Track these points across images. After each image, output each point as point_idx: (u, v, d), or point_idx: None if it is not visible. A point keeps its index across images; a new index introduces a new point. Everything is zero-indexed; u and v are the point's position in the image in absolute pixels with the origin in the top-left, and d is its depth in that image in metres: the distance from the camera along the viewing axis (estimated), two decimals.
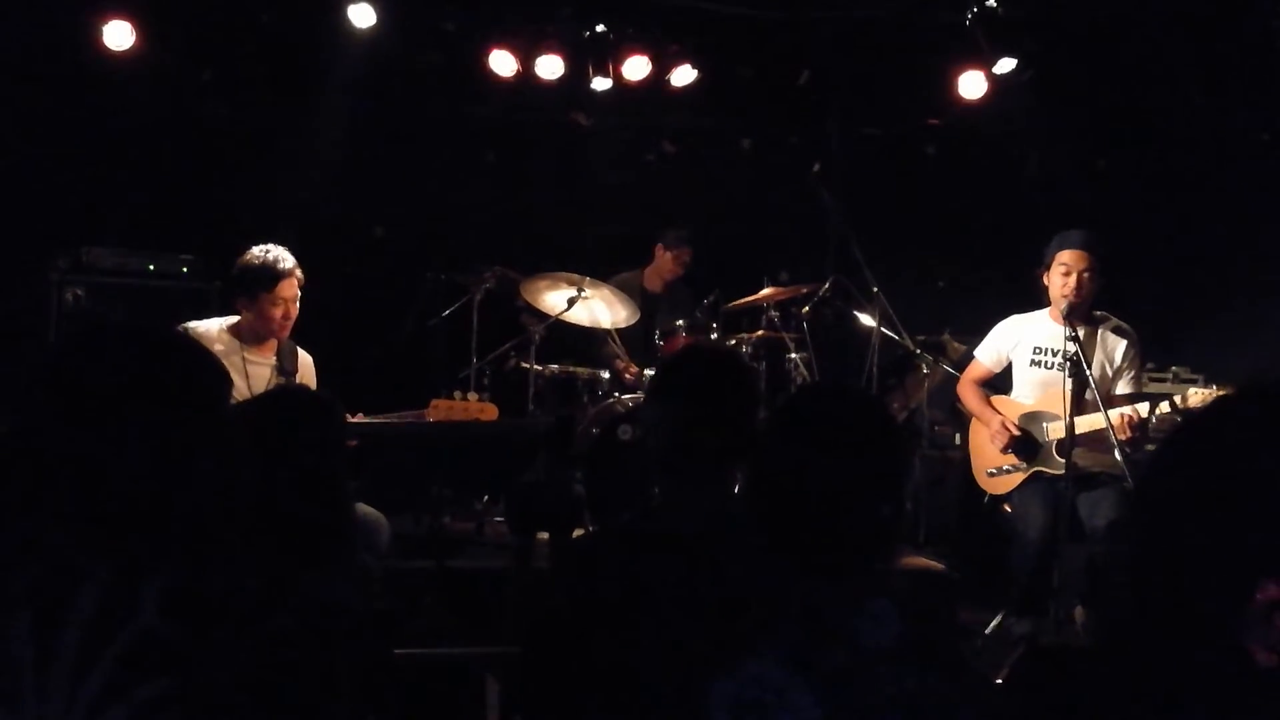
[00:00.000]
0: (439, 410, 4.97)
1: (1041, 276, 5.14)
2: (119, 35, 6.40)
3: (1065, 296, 4.94)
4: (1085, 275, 4.97)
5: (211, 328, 4.71)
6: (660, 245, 7.01)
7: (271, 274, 4.62)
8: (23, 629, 1.46)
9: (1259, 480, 1.30)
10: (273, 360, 4.77)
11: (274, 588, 1.92)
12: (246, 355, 4.67)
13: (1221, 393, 4.73)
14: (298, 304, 4.71)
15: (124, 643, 1.46)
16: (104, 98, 6.83)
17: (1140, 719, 1.31)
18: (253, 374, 4.67)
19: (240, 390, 4.47)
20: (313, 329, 5.16)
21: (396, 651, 2.67)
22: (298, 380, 4.80)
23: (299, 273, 4.70)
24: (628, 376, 6.40)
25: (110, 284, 6.25)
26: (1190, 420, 1.46)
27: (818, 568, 1.81)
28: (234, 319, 4.75)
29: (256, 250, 4.68)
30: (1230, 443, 1.37)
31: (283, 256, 4.66)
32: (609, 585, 2.43)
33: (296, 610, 1.80)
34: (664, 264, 7.00)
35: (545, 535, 2.83)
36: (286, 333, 4.74)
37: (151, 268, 6.40)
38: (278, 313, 4.65)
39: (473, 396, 5.14)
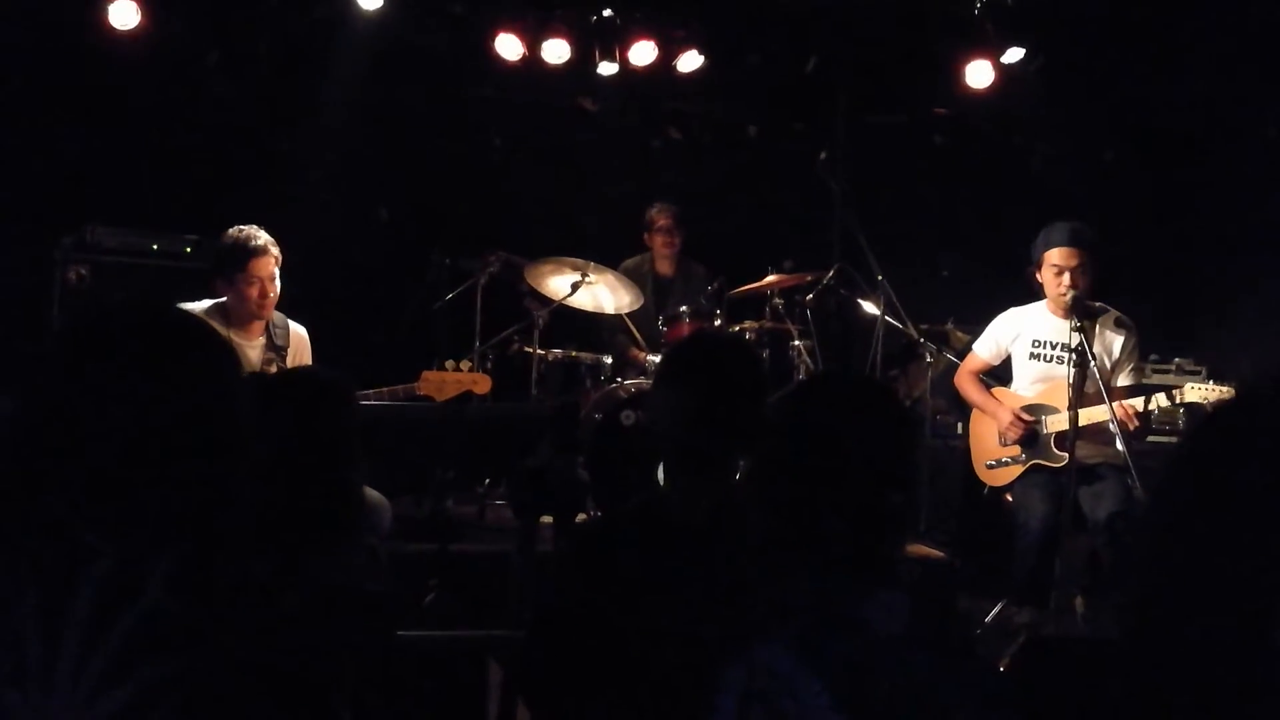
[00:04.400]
0: (429, 382, 4.97)
1: (1032, 275, 5.13)
2: (124, 14, 6.37)
3: (1062, 295, 4.93)
4: (1077, 272, 4.94)
5: (197, 310, 4.64)
6: (646, 235, 7.00)
7: (244, 253, 4.61)
8: (29, 608, 1.46)
9: None
10: (261, 340, 4.75)
11: (281, 569, 1.92)
12: (234, 337, 4.62)
13: (1223, 391, 4.75)
14: (276, 283, 4.67)
15: (130, 622, 1.46)
16: (109, 77, 6.82)
17: (1150, 712, 1.30)
18: (242, 356, 4.64)
19: None
20: (317, 311, 5.16)
21: (399, 634, 2.67)
22: (290, 355, 4.79)
23: (275, 251, 4.67)
24: (643, 358, 6.39)
25: (114, 263, 6.23)
26: (1219, 411, 1.43)
27: (826, 556, 1.81)
28: (220, 300, 4.73)
29: (232, 230, 4.69)
30: (1263, 436, 1.33)
31: (255, 235, 4.65)
32: (613, 571, 2.44)
33: (303, 591, 1.80)
34: (656, 246, 6.98)
35: (548, 520, 2.83)
36: (267, 311, 4.72)
37: (155, 247, 6.38)
38: (253, 292, 4.63)
39: (465, 365, 5.12)
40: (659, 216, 6.90)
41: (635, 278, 6.51)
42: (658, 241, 6.92)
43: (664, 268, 6.97)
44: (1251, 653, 1.24)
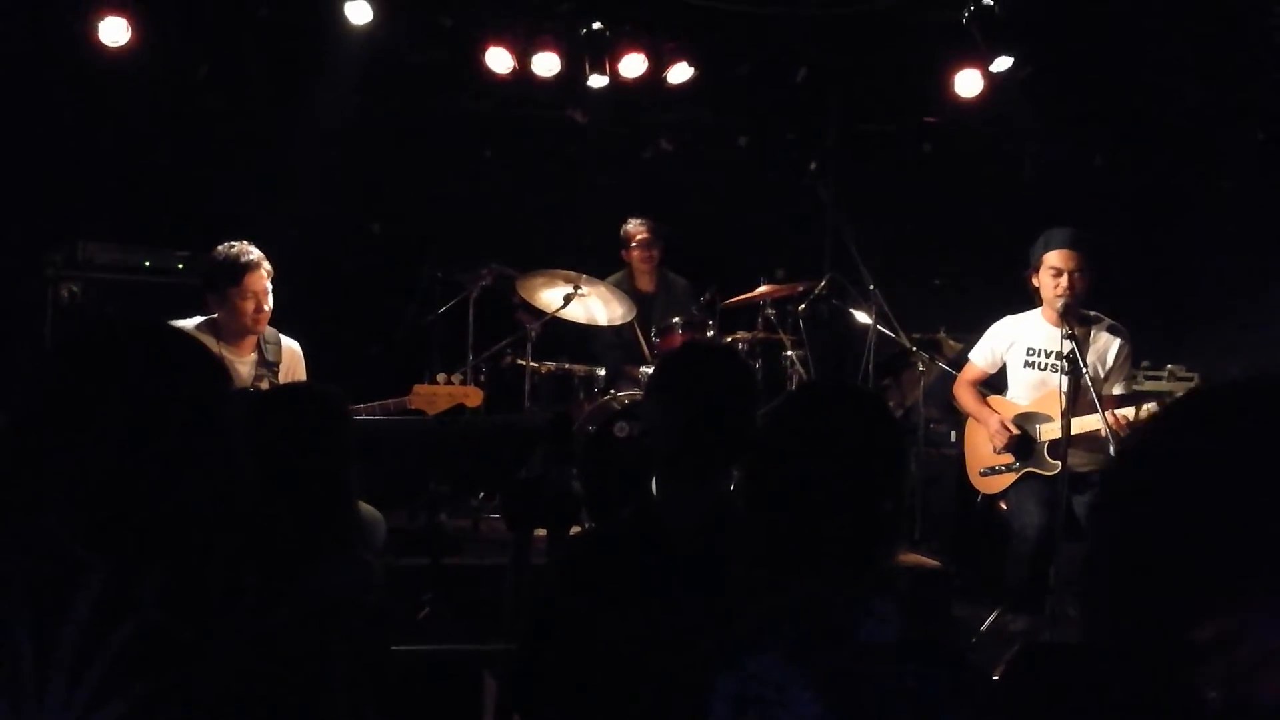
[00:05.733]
0: (421, 396, 4.97)
1: (1029, 279, 5.14)
2: (115, 31, 6.38)
3: (1060, 297, 4.94)
4: (1076, 275, 4.96)
5: (188, 327, 4.62)
6: (623, 251, 6.96)
7: (237, 268, 4.61)
8: (23, 624, 1.46)
9: (1201, 509, 1.16)
10: (252, 356, 4.75)
11: (275, 583, 1.91)
12: (225, 354, 4.62)
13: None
14: (270, 296, 4.68)
15: (123, 638, 1.46)
16: (100, 93, 6.82)
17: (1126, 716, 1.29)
18: (234, 372, 4.63)
19: None
20: (309, 325, 5.16)
21: (393, 648, 2.66)
22: (283, 370, 4.79)
23: (267, 265, 4.68)
24: (637, 372, 6.38)
25: (106, 280, 6.23)
26: (1160, 416, 1.32)
27: (819, 565, 1.81)
28: (210, 317, 4.72)
29: (222, 247, 4.68)
30: (1173, 465, 1.21)
31: (247, 250, 4.65)
32: (607, 582, 2.43)
33: (297, 605, 1.80)
34: (635, 261, 6.94)
35: (542, 532, 2.83)
36: (262, 326, 4.72)
37: (147, 264, 6.39)
38: (249, 306, 4.63)
39: (456, 379, 5.12)
40: (636, 231, 6.87)
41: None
42: (635, 257, 6.88)
43: (644, 284, 6.92)
44: (1170, 690, 1.19)
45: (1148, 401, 4.83)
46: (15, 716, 1.44)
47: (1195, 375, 6.41)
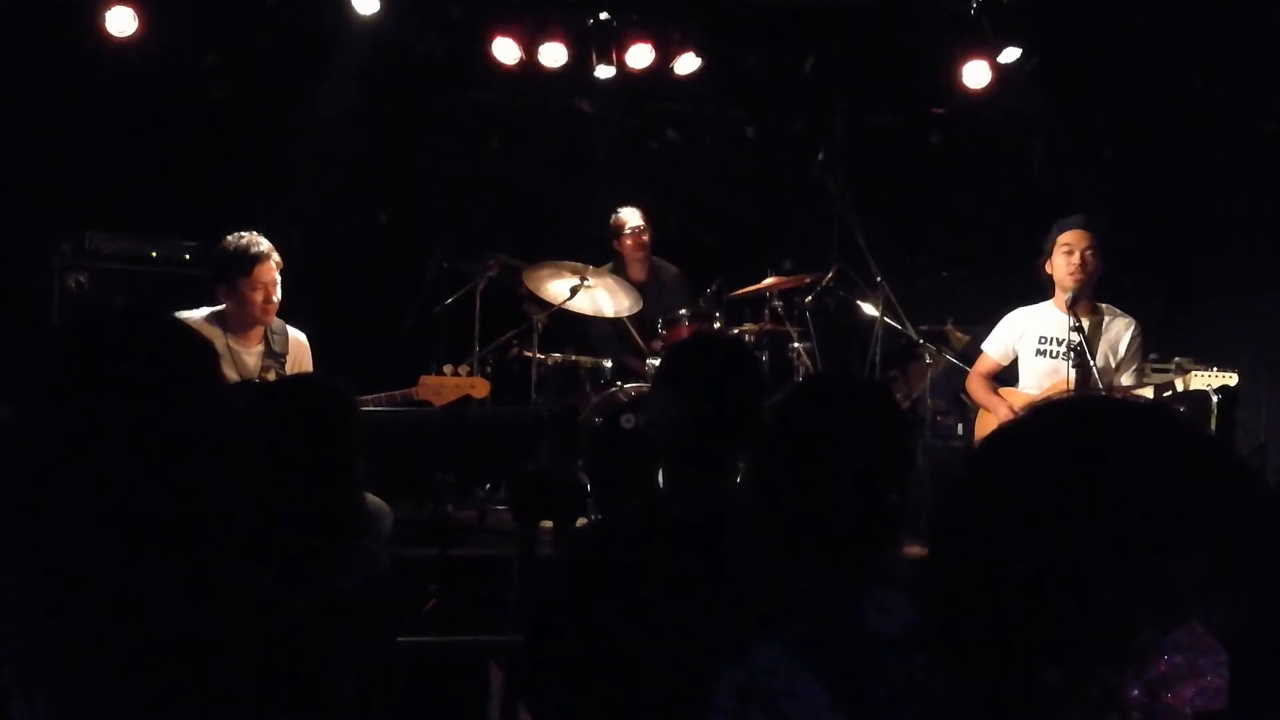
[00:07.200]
0: (428, 387, 4.97)
1: (1043, 266, 5.16)
2: (122, 21, 6.38)
3: (1071, 275, 4.97)
4: (1088, 253, 5.00)
5: (195, 317, 4.62)
6: (614, 241, 6.90)
7: (247, 259, 4.60)
8: (37, 616, 1.46)
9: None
10: (259, 347, 4.75)
11: (283, 575, 1.92)
12: (232, 344, 4.63)
13: (1226, 376, 4.73)
14: (278, 287, 4.68)
15: (136, 630, 1.46)
16: (107, 83, 6.82)
17: None
18: (240, 363, 4.65)
19: (230, 379, 4.44)
20: (316, 316, 5.16)
21: (400, 639, 2.67)
22: (290, 361, 4.80)
23: (276, 256, 4.67)
24: (642, 365, 6.37)
25: (113, 270, 6.24)
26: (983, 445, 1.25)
27: (825, 557, 1.81)
28: (218, 308, 4.71)
29: (231, 237, 4.67)
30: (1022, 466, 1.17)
31: (257, 241, 4.65)
32: (613, 573, 2.44)
33: (305, 598, 1.80)
34: (627, 251, 6.86)
35: (548, 523, 2.83)
36: (270, 317, 4.72)
37: (155, 254, 6.40)
38: (258, 297, 4.63)
39: (463, 370, 5.13)
40: (626, 221, 6.80)
41: None
42: (628, 246, 6.80)
43: (636, 273, 6.84)
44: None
45: (1163, 390, 4.84)
46: (30, 709, 1.44)
47: (1203, 367, 6.40)
